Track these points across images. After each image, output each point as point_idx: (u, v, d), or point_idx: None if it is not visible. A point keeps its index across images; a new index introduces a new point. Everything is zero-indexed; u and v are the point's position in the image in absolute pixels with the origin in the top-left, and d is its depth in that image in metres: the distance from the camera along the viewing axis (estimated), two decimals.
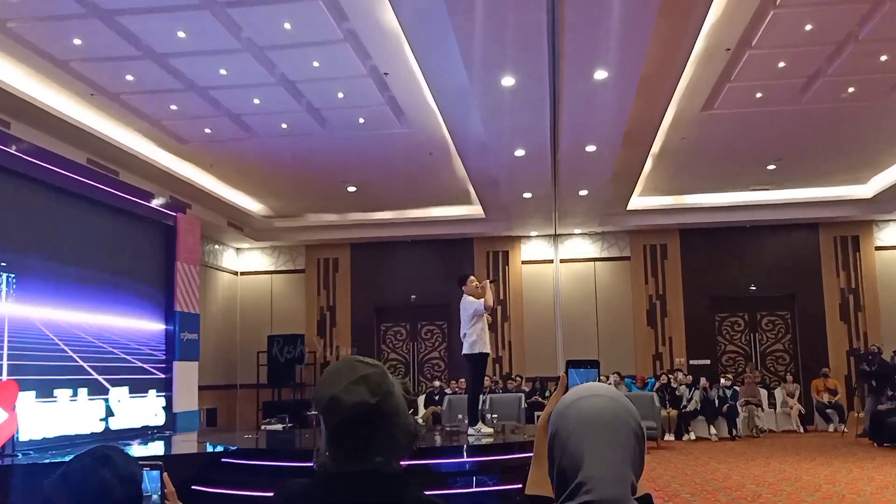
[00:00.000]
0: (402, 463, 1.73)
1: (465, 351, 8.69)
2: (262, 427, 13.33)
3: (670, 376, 16.15)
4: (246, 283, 18.70)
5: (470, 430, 9.07)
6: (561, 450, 1.38)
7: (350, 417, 1.67)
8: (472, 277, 8.86)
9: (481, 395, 10.33)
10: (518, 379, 16.70)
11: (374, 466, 1.68)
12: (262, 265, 18.72)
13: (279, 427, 12.90)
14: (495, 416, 12.06)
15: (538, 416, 14.97)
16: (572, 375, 1.66)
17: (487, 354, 8.69)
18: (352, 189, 14.82)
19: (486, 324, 8.73)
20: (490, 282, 9.00)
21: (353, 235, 17.51)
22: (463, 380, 15.96)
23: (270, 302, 18.57)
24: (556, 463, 1.39)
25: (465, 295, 8.77)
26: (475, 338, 8.58)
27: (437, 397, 16.00)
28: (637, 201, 16.15)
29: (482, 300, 8.62)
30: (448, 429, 10.78)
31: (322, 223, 17.17)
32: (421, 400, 16.06)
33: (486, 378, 15.75)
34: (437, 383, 16.86)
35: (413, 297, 17.97)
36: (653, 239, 17.60)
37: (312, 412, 14.92)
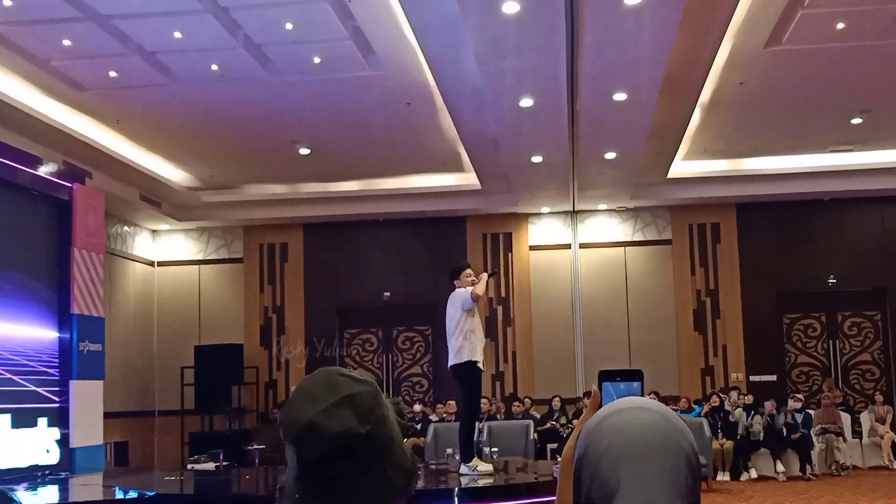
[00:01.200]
0: None
1: (450, 362, 8.73)
2: (189, 466, 13.41)
3: (724, 397, 16.24)
4: (166, 276, 18.69)
5: (463, 469, 9.10)
6: (590, 477, 1.39)
7: (332, 451, 1.67)
8: (468, 270, 8.97)
9: (477, 423, 10.36)
10: (525, 402, 16.77)
11: None
12: (187, 253, 18.72)
13: (211, 466, 12.96)
14: (495, 449, 12.13)
15: (552, 450, 15.05)
16: (607, 390, 1.67)
17: (478, 364, 8.73)
18: (305, 152, 14.80)
19: (479, 324, 8.80)
20: (489, 274, 9.06)
21: (306, 213, 17.52)
22: (452, 402, 16.01)
23: (198, 302, 18.58)
24: (584, 494, 1.40)
25: (458, 290, 8.83)
26: (461, 341, 8.64)
27: (418, 426, 16.05)
28: (681, 167, 16.20)
29: (468, 289, 8.70)
30: (434, 467, 10.83)
31: (266, 197, 17.18)
32: None
33: (482, 400, 15.79)
34: (418, 408, 16.91)
35: (387, 294, 17.97)
36: (701, 216, 17.67)
37: (252, 447, 15.02)
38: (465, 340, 8.62)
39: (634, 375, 1.69)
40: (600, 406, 1.60)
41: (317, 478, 1.68)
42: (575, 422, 15.28)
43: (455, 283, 8.90)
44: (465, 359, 8.61)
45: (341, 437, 1.66)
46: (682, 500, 1.36)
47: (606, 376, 1.69)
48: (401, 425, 1.79)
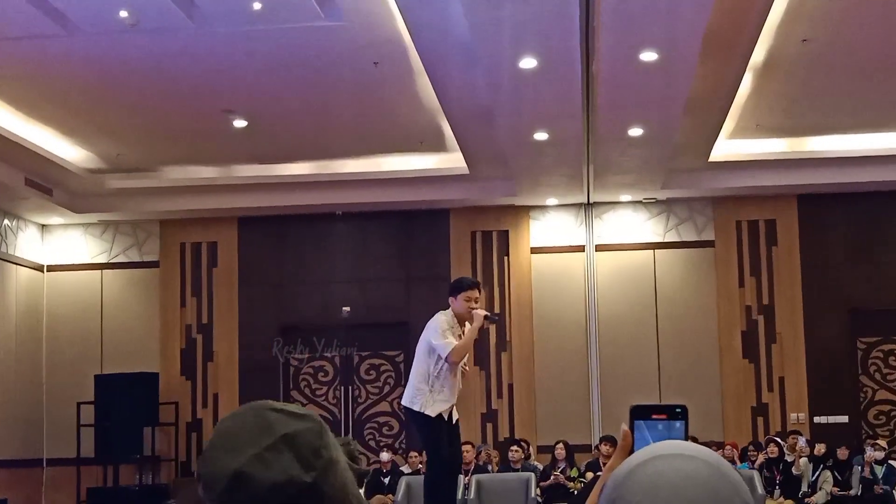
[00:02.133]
0: None
1: (404, 399, 9.20)
2: None
3: (783, 444, 16.26)
4: (58, 284, 18.61)
5: None
6: None
7: None
8: (475, 293, 9.25)
9: (461, 476, 10.46)
10: (524, 447, 16.75)
11: None
12: (87, 254, 18.65)
13: None
14: None
15: None
16: (641, 432, 1.70)
17: (435, 420, 9.02)
18: (240, 124, 14.79)
19: (456, 382, 9.13)
20: (487, 318, 9.32)
21: (242, 204, 17.53)
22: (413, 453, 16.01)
23: (100, 318, 18.51)
24: None
25: (440, 313, 9.15)
26: (418, 383, 9.01)
27: (386, 479, 16.01)
28: (727, 148, 16.25)
29: (450, 342, 8.95)
30: None
31: (190, 182, 17.15)
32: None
33: (465, 447, 15.78)
34: (385, 455, 16.86)
35: (346, 309, 17.91)
36: (753, 211, 17.72)
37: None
38: (430, 391, 8.98)
39: (676, 413, 1.71)
40: (632, 451, 1.63)
41: None
42: (589, 474, 15.36)
43: (451, 299, 9.19)
44: (417, 408, 9.00)
45: (280, 489, 1.69)
46: None
47: (640, 413, 1.71)
48: (354, 471, 1.84)
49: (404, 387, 17.31)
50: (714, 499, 1.38)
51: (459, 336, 9.15)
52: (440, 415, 9.04)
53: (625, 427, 1.68)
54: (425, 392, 8.92)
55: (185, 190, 17.35)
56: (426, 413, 8.95)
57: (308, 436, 1.74)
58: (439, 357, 8.97)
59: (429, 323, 9.14)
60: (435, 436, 9.11)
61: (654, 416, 1.69)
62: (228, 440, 1.75)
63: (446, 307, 9.31)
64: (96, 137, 15.48)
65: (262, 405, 1.80)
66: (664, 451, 1.46)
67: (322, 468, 1.72)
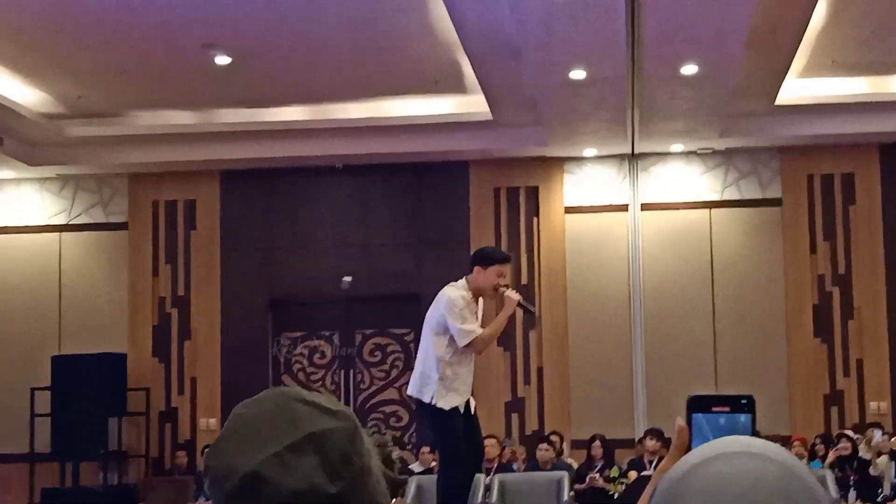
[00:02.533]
0: None
1: (411, 389, 9.17)
2: None
3: (858, 439, 16.29)
4: (8, 249, 18.71)
5: None
6: None
7: None
8: (505, 268, 9.29)
9: (482, 475, 10.51)
10: (556, 442, 16.80)
11: None
12: (42, 214, 18.75)
13: None
14: None
15: None
16: (699, 427, 1.71)
17: (449, 413, 9.05)
18: (223, 61, 14.83)
19: (470, 370, 9.16)
20: (522, 308, 9.53)
21: (225, 155, 17.59)
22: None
23: (58, 290, 18.63)
24: None
25: (452, 287, 9.11)
26: (434, 375, 8.97)
27: (401, 490, 16.11)
28: (797, 89, 16.23)
29: (473, 328, 8.99)
30: None
31: (164, 130, 17.19)
32: None
33: (487, 441, 15.82)
34: (394, 451, 16.96)
35: (347, 280, 17.93)
36: (827, 163, 17.72)
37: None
38: (441, 379, 8.96)
39: (741, 405, 1.71)
40: (689, 449, 1.64)
41: None
42: (632, 474, 15.40)
43: (478, 269, 9.16)
44: (427, 399, 8.99)
45: (299, 498, 1.69)
46: None
47: (699, 405, 1.71)
48: (389, 479, 1.87)
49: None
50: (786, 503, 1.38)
51: (475, 315, 9.20)
52: (455, 407, 9.07)
53: (680, 422, 1.69)
54: (435, 381, 8.92)
55: (157, 139, 17.39)
56: (438, 406, 8.95)
57: (338, 437, 1.74)
58: (452, 339, 8.98)
59: (439, 298, 9.07)
60: (449, 431, 9.11)
61: (716, 409, 1.70)
62: (246, 432, 1.74)
63: (463, 276, 9.29)
64: (53, 76, 15.50)
65: (290, 393, 1.80)
66: (726, 448, 1.45)
67: (350, 478, 1.73)
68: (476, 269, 9.14)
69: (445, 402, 8.98)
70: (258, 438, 1.72)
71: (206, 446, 17.35)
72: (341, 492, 1.70)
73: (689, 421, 1.69)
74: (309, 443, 1.71)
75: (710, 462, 1.42)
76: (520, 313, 17.21)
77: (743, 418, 1.69)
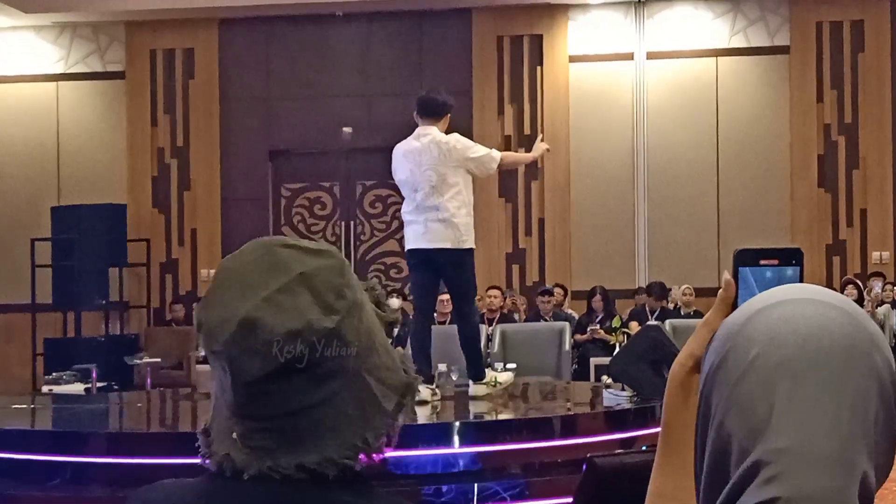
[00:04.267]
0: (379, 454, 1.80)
1: (436, 244, 8.99)
2: (46, 388, 13.46)
3: (862, 287, 16.33)
4: (4, 98, 18.66)
5: (472, 390, 9.34)
6: (726, 400, 1.38)
7: (284, 362, 1.70)
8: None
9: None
10: (558, 293, 16.84)
11: (324, 461, 1.72)
12: (38, 63, 18.63)
13: (79, 388, 13.02)
14: (512, 365, 12.14)
15: (599, 368, 15.08)
16: (746, 282, 1.62)
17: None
18: None
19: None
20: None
21: (224, 2, 17.41)
22: (445, 296, 16.12)
23: (56, 140, 18.59)
24: (713, 428, 1.39)
25: (429, 129, 8.95)
26: (461, 217, 8.94)
27: (395, 330, 16.12)
28: None
29: (489, 150, 9.12)
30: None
31: None
32: None
33: (490, 291, 15.82)
34: (395, 302, 16.87)
35: (347, 130, 17.91)
36: (837, 10, 17.58)
37: (140, 360, 15.06)
38: (469, 216, 8.98)
39: (790, 257, 1.65)
40: (735, 304, 1.57)
41: (263, 406, 1.73)
42: (633, 325, 15.40)
43: (428, 121, 8.98)
44: (466, 243, 8.98)
45: (296, 336, 1.70)
46: (867, 447, 1.33)
47: (746, 259, 1.64)
48: (381, 318, 1.88)
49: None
50: (850, 352, 1.35)
51: None
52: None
53: (728, 275, 1.61)
54: (471, 225, 9.00)
55: None
56: (471, 247, 9.08)
57: (328, 274, 1.76)
58: (466, 176, 8.98)
59: (440, 142, 8.89)
60: (474, 270, 9.28)
61: (763, 262, 1.63)
62: (234, 281, 1.76)
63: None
64: None
65: (272, 240, 1.81)
66: (792, 294, 1.42)
67: (345, 311, 1.74)
68: (427, 120, 8.97)
69: (473, 241, 9.12)
70: (248, 286, 1.74)
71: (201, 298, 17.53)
72: (337, 325, 1.72)
73: (735, 275, 1.62)
74: (299, 282, 1.73)
75: (775, 307, 1.40)
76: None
77: (790, 272, 1.62)
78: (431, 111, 8.97)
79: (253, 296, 1.72)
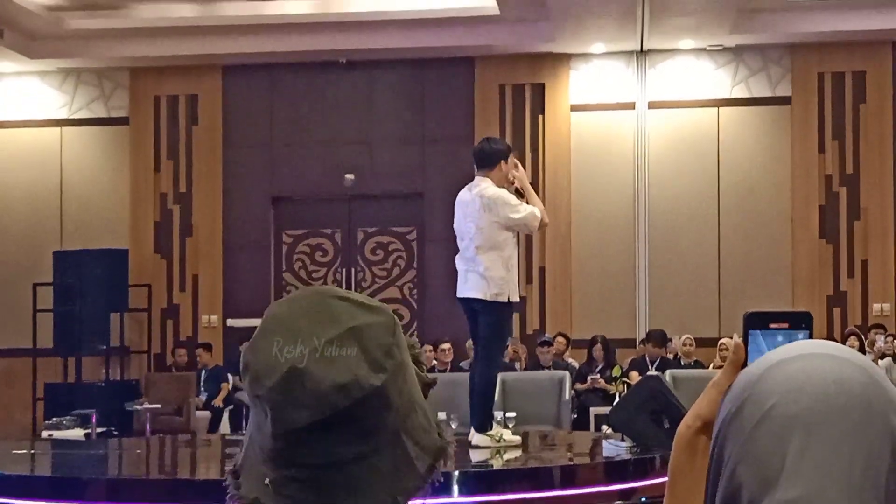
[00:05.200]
0: None
1: (469, 293, 9.18)
2: (46, 433, 13.51)
3: (863, 339, 16.29)
4: (9, 143, 18.64)
5: (475, 439, 9.33)
6: (739, 450, 1.39)
7: (329, 414, 1.69)
8: (511, 159, 9.37)
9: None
10: (559, 343, 16.83)
11: None
12: (43, 108, 18.64)
13: (79, 434, 13.08)
14: (512, 414, 12.13)
15: (599, 418, 15.05)
16: (756, 344, 1.65)
17: (514, 305, 9.41)
18: None
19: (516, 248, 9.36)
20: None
21: (228, 49, 17.44)
22: (447, 345, 16.21)
23: (59, 184, 18.57)
24: (725, 477, 1.40)
25: (482, 181, 9.14)
26: (496, 271, 9.06)
27: (430, 390, 16.11)
28: None
29: (533, 208, 9.15)
30: None
31: (166, 23, 17.06)
32: None
33: None
34: (422, 353, 16.89)
35: (349, 177, 17.94)
36: (838, 61, 17.59)
37: (141, 405, 15.03)
38: (503, 270, 9.10)
39: (800, 321, 1.67)
40: (745, 365, 1.59)
41: (301, 456, 1.71)
42: (633, 374, 15.35)
43: (485, 171, 9.18)
44: (499, 297, 9.10)
45: (343, 391, 1.69)
46: (877, 493, 1.33)
47: (756, 322, 1.67)
48: (420, 379, 1.85)
49: (417, 269, 17.82)
50: (867, 410, 1.35)
51: None
52: (513, 305, 9.41)
53: (737, 339, 1.65)
54: (508, 280, 9.11)
55: (159, 32, 17.26)
56: (513, 300, 9.24)
57: (379, 331, 1.74)
58: (514, 225, 9.15)
59: (476, 200, 9.09)
60: (508, 323, 9.53)
61: (773, 326, 1.66)
62: (284, 328, 1.74)
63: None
64: None
65: (326, 290, 1.79)
66: (811, 349, 1.43)
67: (392, 370, 1.73)
68: (501, 163, 9.18)
69: (515, 294, 9.28)
70: (297, 334, 1.73)
71: (202, 344, 17.55)
72: (385, 384, 1.71)
73: (745, 337, 1.65)
74: (350, 336, 1.72)
75: (793, 360, 1.41)
76: None
77: (801, 335, 1.65)
78: (481, 161, 9.26)
79: (302, 345, 1.72)
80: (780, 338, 1.65)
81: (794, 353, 1.43)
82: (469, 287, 9.13)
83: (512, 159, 9.38)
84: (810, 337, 1.64)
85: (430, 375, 1.89)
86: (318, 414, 1.68)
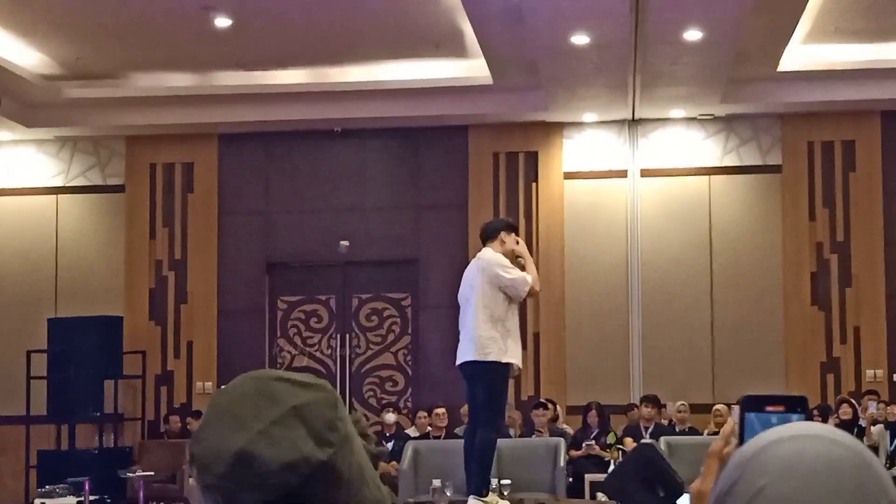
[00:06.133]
0: None
1: (463, 358, 9.50)
2: (39, 502, 13.58)
3: (856, 406, 16.27)
4: (5, 210, 18.65)
5: None
6: None
7: (279, 494, 1.71)
8: (513, 234, 9.88)
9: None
10: (551, 409, 16.80)
11: None
12: (39, 176, 18.68)
13: (71, 501, 13.17)
14: (507, 481, 12.20)
15: (594, 485, 15.08)
16: (752, 426, 1.71)
17: (511, 368, 9.61)
18: (223, 23, 14.75)
19: (515, 311, 9.62)
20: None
21: (224, 118, 17.49)
22: (441, 410, 16.13)
23: (55, 251, 18.57)
24: None
25: (488, 250, 9.60)
26: (486, 331, 9.33)
27: (390, 444, 16.06)
28: (799, 56, 16.16)
29: (524, 274, 9.52)
30: None
31: (162, 92, 17.13)
32: None
33: None
34: (390, 417, 16.90)
35: (344, 244, 17.88)
36: (828, 130, 17.64)
37: (134, 473, 14.99)
38: (500, 335, 9.38)
39: (795, 404, 1.73)
40: (741, 443, 1.64)
41: None
42: (627, 441, 15.38)
43: (488, 243, 9.71)
44: (493, 358, 9.35)
45: (291, 469, 1.69)
46: None
47: (752, 405, 1.73)
48: (367, 451, 1.87)
49: (412, 335, 17.83)
50: (859, 493, 1.37)
51: None
52: (510, 368, 9.55)
53: (732, 419, 1.72)
54: (498, 339, 9.28)
55: (155, 101, 17.29)
56: (504, 361, 9.38)
57: (321, 407, 1.76)
58: (510, 289, 9.40)
59: (477, 266, 9.49)
60: (505, 386, 9.72)
61: (769, 408, 1.72)
62: (227, 415, 1.76)
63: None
64: (52, 37, 15.41)
65: (264, 374, 1.82)
66: (805, 431, 1.46)
67: (338, 444, 1.74)
68: (503, 234, 9.65)
69: (511, 356, 9.47)
70: (241, 419, 1.74)
71: (195, 412, 17.46)
72: (332, 458, 1.72)
73: (742, 419, 1.70)
74: (293, 415, 1.73)
75: (787, 441, 1.43)
76: None
77: (795, 418, 1.70)
78: (483, 237, 9.83)
79: (247, 429, 1.72)
80: (774, 420, 1.68)
81: (789, 433, 1.46)
82: (463, 352, 9.34)
83: (514, 236, 9.72)
84: (806, 419, 1.69)
85: (378, 448, 1.94)
86: (268, 495, 1.69)
